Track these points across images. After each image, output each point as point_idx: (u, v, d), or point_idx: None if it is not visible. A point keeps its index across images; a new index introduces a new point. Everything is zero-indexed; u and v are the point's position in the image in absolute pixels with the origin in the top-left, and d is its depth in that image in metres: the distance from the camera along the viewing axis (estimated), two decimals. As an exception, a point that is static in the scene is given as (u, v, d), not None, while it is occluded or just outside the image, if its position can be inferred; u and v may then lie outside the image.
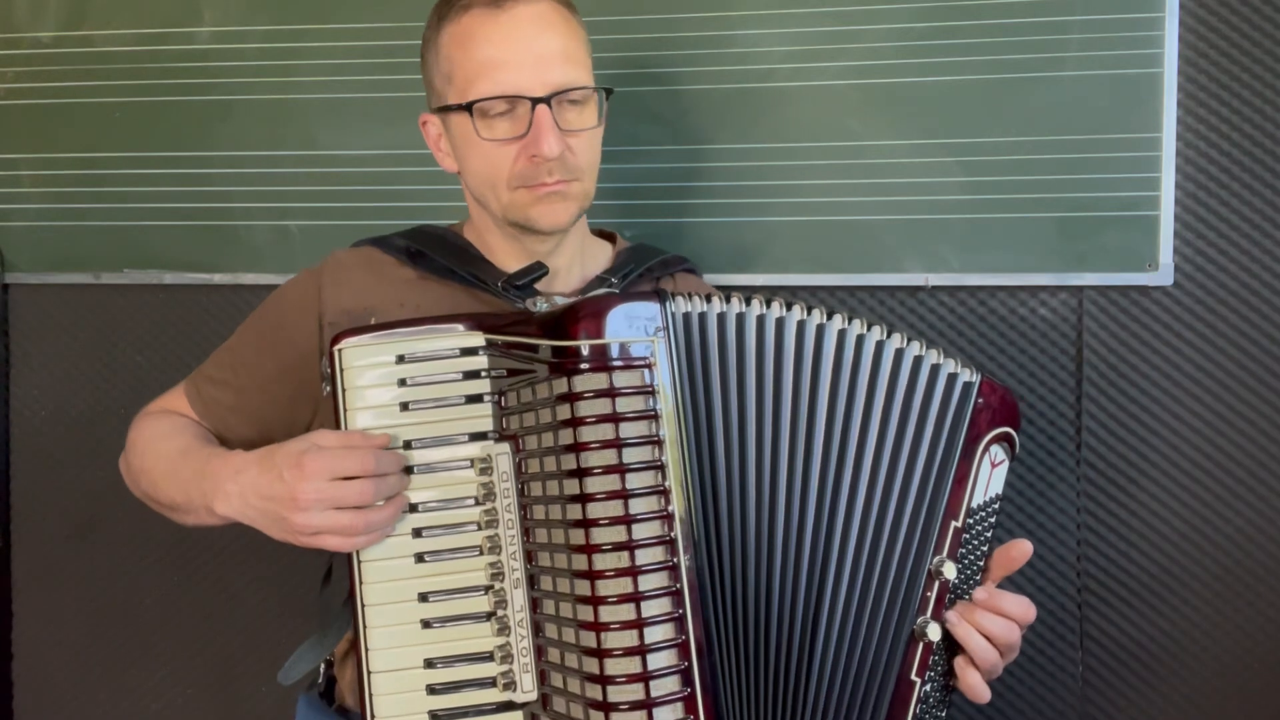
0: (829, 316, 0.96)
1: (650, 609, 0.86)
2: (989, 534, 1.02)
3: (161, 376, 1.65)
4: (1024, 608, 0.99)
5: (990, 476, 1.01)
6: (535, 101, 1.05)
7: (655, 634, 0.86)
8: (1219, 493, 1.48)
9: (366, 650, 0.94)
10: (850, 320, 0.96)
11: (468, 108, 1.07)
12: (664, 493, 0.88)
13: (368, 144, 1.59)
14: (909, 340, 0.97)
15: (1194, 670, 1.49)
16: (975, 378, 0.99)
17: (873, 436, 0.96)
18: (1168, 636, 1.50)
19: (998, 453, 1.02)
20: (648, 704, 0.85)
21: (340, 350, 0.96)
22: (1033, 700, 1.51)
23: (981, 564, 1.01)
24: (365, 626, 0.94)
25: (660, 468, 0.88)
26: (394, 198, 1.58)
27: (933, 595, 0.97)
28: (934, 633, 0.96)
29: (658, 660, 0.86)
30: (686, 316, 0.92)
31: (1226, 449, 1.48)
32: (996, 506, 1.03)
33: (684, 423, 0.90)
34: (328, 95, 1.59)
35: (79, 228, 1.66)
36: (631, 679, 0.86)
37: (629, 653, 0.86)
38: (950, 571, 0.97)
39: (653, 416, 0.88)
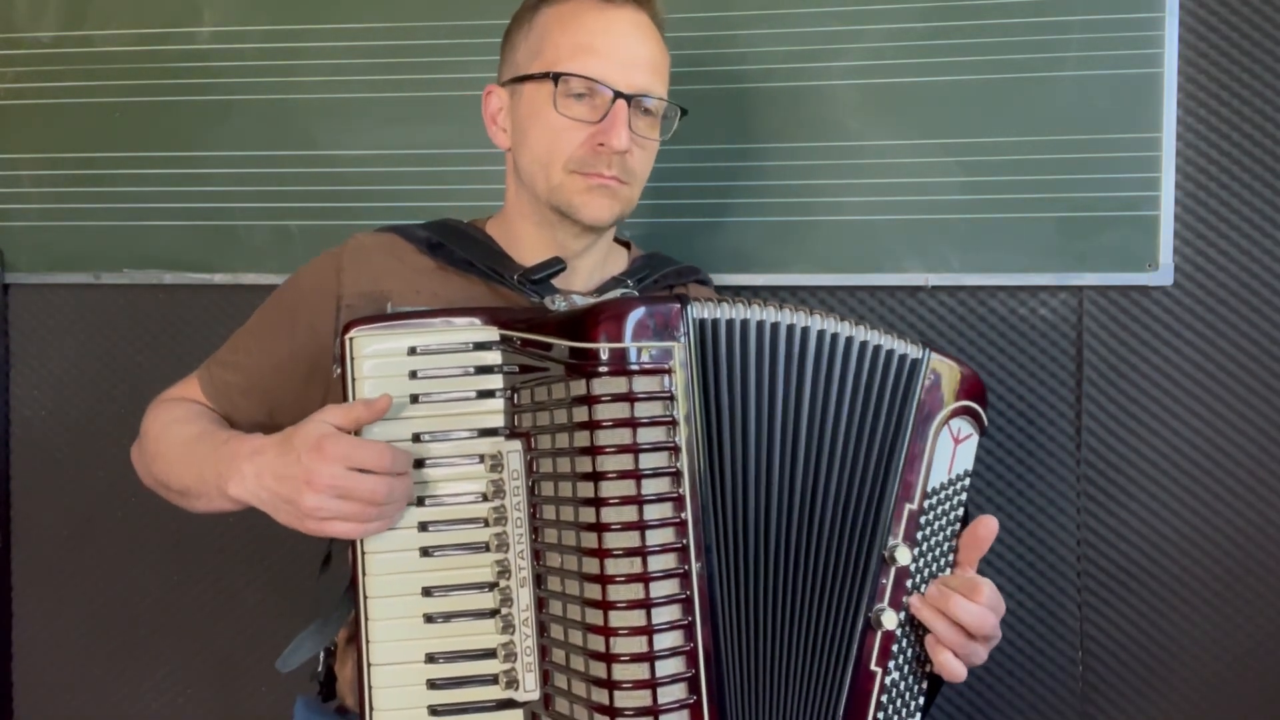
0: (810, 315, 0.95)
1: (660, 615, 0.86)
2: (958, 512, 0.99)
3: (161, 376, 1.62)
4: (986, 595, 0.95)
5: (954, 453, 0.98)
6: (617, 94, 1.08)
7: (664, 640, 0.86)
8: (1219, 493, 1.48)
9: (367, 642, 0.93)
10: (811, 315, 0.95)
11: (554, 78, 1.10)
12: (678, 499, 0.87)
13: (368, 144, 1.59)
14: (854, 326, 0.95)
15: (1194, 670, 1.50)
16: (923, 354, 0.97)
17: (829, 426, 0.94)
18: (1168, 636, 1.50)
19: (961, 428, 0.98)
20: (653, 710, 0.85)
21: (351, 339, 0.95)
22: (1033, 700, 1.51)
23: (952, 543, 0.99)
24: (367, 619, 0.93)
25: (675, 474, 0.87)
26: (394, 198, 1.58)
27: (889, 582, 0.95)
28: (889, 621, 0.94)
29: (665, 667, 0.85)
30: (703, 322, 0.91)
31: (1226, 449, 1.48)
32: (966, 483, 1.00)
33: (698, 428, 0.89)
34: (328, 95, 1.59)
35: (79, 228, 1.66)
36: (638, 684, 0.85)
37: (636, 658, 0.85)
38: (904, 556, 0.94)
39: (670, 423, 0.88)
